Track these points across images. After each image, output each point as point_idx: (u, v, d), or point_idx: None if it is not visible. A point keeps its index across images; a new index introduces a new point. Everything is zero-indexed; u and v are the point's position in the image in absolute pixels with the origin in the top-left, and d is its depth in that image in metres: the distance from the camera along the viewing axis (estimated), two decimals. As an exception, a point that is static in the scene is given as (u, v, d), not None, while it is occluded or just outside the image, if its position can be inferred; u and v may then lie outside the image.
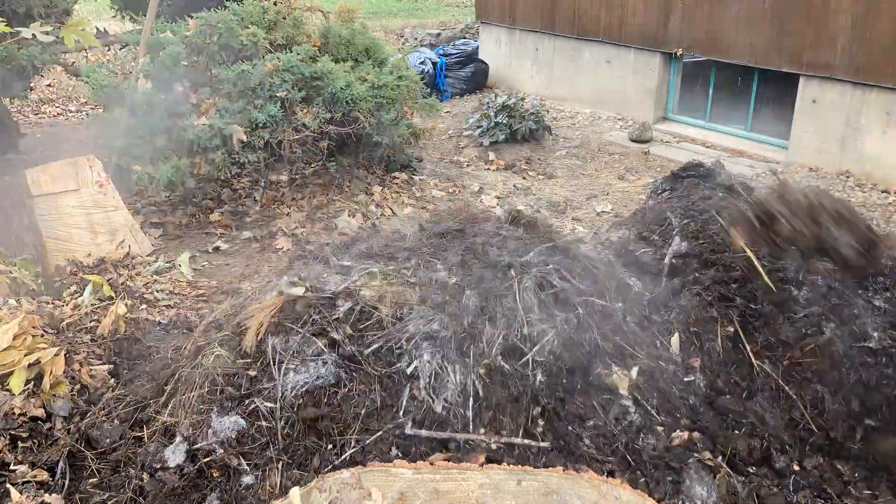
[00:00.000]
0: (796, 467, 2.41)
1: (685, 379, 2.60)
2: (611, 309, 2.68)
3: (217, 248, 4.65)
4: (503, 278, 2.60)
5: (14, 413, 2.48)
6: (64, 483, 2.32)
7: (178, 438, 2.33)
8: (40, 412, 2.54)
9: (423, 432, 2.25)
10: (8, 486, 2.26)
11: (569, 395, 2.43)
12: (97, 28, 6.05)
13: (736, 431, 2.47)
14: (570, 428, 2.35)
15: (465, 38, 10.60)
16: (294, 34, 5.36)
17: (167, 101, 4.65)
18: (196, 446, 2.31)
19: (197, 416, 2.41)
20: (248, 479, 2.20)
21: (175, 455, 2.28)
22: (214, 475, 2.21)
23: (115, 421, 2.56)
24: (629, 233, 3.22)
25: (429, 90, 7.55)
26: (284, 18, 5.47)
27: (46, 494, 2.26)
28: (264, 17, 5.32)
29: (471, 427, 2.30)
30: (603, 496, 1.91)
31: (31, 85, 5.94)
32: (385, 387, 2.40)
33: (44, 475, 2.35)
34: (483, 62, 9.10)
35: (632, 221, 3.37)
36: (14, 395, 2.51)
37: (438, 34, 11.33)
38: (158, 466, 2.26)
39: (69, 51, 5.32)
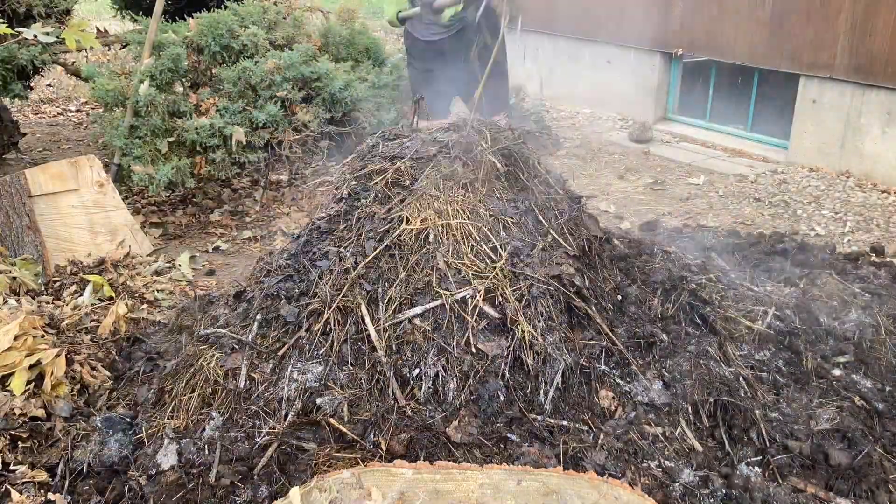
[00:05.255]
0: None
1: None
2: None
3: (217, 248, 4.65)
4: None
5: (14, 413, 2.48)
6: (64, 484, 2.32)
7: (166, 441, 2.33)
8: (41, 412, 2.55)
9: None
10: (7, 486, 2.26)
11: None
12: (97, 28, 6.05)
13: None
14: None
15: (465, 37, 10.59)
16: (294, 34, 5.37)
17: (168, 102, 4.65)
18: (192, 450, 2.30)
19: (196, 418, 2.41)
20: (243, 488, 2.20)
21: (167, 457, 2.28)
22: (210, 482, 2.20)
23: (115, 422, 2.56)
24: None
25: (429, 90, 7.55)
26: (284, 18, 5.48)
27: (50, 494, 2.26)
28: (264, 17, 5.33)
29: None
30: (603, 496, 1.91)
31: (31, 85, 5.94)
32: (388, 388, 2.40)
33: (43, 475, 2.35)
34: (483, 62, 9.09)
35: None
36: (15, 395, 2.52)
37: (438, 34, 11.32)
38: (154, 472, 2.25)
39: (69, 51, 5.32)
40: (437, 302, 2.49)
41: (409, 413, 2.31)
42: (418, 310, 2.49)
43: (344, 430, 2.28)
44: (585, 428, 2.41)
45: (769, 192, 5.64)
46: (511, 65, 5.48)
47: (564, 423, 2.40)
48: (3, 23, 3.28)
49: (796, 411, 2.61)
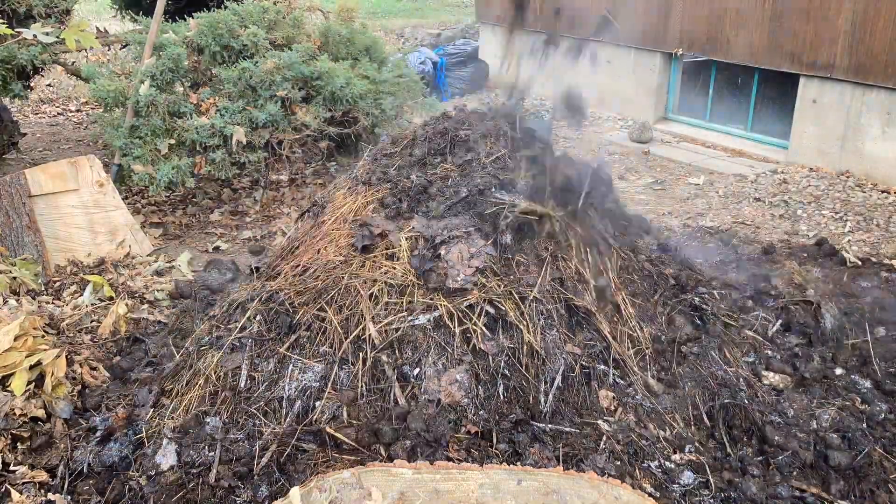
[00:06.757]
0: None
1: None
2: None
3: (217, 248, 4.65)
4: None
5: (14, 413, 2.48)
6: (64, 484, 2.32)
7: (166, 441, 2.33)
8: (41, 413, 2.55)
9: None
10: (8, 486, 2.26)
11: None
12: (97, 28, 6.05)
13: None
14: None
15: (465, 38, 10.59)
16: (294, 34, 5.36)
17: (168, 102, 4.65)
18: (191, 451, 2.30)
19: (195, 418, 2.41)
20: (243, 488, 2.19)
21: (167, 458, 2.27)
22: (210, 482, 2.20)
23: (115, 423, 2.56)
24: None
25: (429, 90, 7.55)
26: (284, 18, 5.47)
27: (50, 494, 2.26)
28: (264, 16, 5.32)
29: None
30: (603, 496, 1.91)
31: (31, 85, 5.94)
32: (389, 388, 2.40)
33: (43, 475, 2.35)
34: (483, 62, 9.09)
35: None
36: (15, 396, 2.51)
37: (438, 34, 11.33)
38: (154, 472, 2.25)
39: (69, 51, 5.31)
40: (444, 310, 2.50)
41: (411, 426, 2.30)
42: (422, 318, 2.49)
43: (342, 438, 2.27)
44: (586, 429, 2.41)
45: (769, 192, 5.63)
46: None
47: (565, 422, 2.40)
48: (3, 23, 3.28)
49: (797, 412, 2.61)
